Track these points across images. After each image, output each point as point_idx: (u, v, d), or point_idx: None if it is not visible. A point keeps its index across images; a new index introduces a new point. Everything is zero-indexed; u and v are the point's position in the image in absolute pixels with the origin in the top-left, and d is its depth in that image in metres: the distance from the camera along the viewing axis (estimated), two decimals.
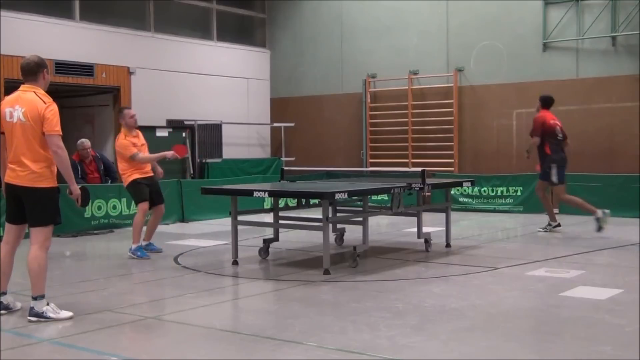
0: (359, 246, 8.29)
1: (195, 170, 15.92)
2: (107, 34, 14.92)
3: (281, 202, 11.46)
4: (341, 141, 17.38)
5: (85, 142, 12.21)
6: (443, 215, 9.76)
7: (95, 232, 11.69)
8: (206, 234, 11.48)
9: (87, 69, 14.44)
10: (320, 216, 7.74)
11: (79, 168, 12.03)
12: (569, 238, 10.60)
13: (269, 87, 18.43)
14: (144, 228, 9.38)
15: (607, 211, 10.69)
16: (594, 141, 14.19)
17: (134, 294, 7.05)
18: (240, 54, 17.77)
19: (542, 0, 14.68)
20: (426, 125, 16.16)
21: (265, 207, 11.46)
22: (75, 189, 6.00)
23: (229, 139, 17.23)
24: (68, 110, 15.76)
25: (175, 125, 15.86)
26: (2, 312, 5.95)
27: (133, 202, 10.03)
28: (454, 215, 10.70)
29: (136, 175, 9.23)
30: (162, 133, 15.35)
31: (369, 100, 16.85)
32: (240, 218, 8.62)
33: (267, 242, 8.92)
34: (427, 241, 9.22)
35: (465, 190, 14.44)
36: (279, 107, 18.27)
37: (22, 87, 6.00)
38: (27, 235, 6.02)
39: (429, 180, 9.06)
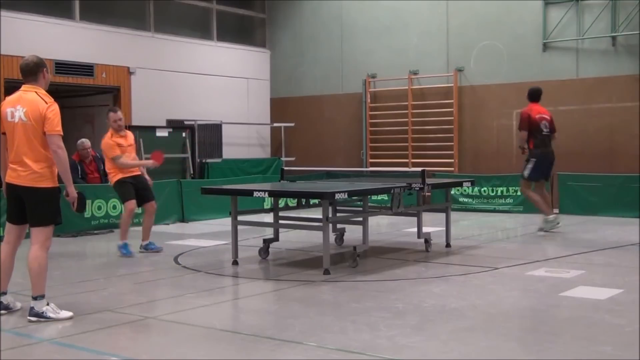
0: (359, 246, 8.29)
1: (195, 170, 15.92)
2: (107, 34, 14.92)
3: (281, 202, 11.46)
4: (341, 141, 17.38)
5: (86, 142, 12.21)
6: (443, 215, 9.76)
7: (95, 232, 11.69)
8: (206, 234, 11.48)
9: (87, 69, 14.44)
10: (320, 216, 7.74)
11: (79, 168, 12.04)
12: (569, 238, 10.60)
13: (269, 87, 18.43)
14: (136, 229, 9.37)
15: (559, 222, 10.60)
16: (594, 141, 14.20)
17: (134, 294, 7.04)
18: (240, 54, 17.77)
19: (542, 0, 14.69)
20: (426, 125, 16.16)
21: (265, 207, 11.46)
22: (72, 191, 5.99)
23: (229, 139, 17.23)
24: (68, 110, 15.74)
25: (175, 125, 15.86)
26: (2, 312, 5.95)
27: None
28: (454, 215, 10.70)
29: (121, 175, 9.27)
30: (162, 133, 15.35)
31: (369, 100, 16.86)
32: (240, 218, 8.62)
33: (267, 242, 8.92)
34: (427, 241, 9.22)
35: (465, 190, 14.44)
36: (279, 107, 18.27)
37: (23, 87, 6.01)
38: (27, 235, 6.02)
39: (429, 180, 9.05)
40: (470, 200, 14.52)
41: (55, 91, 15.94)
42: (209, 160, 16.26)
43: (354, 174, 13.26)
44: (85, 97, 15.70)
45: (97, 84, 14.79)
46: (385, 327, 5.48)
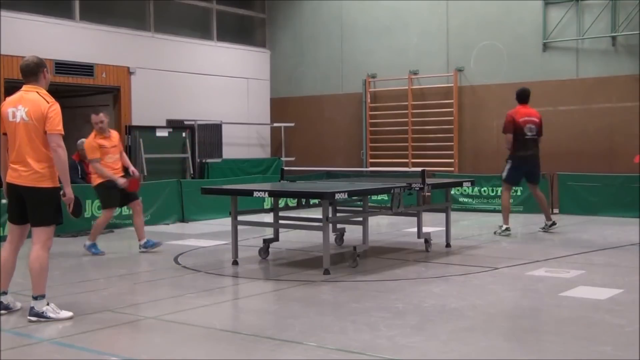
0: (359, 246, 8.29)
1: (195, 170, 15.92)
2: (107, 34, 14.92)
3: (281, 202, 11.46)
4: (341, 141, 17.38)
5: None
6: (443, 215, 9.76)
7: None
8: (206, 234, 11.48)
9: (87, 69, 14.45)
10: (320, 216, 7.74)
11: (79, 168, 12.03)
12: (569, 238, 10.60)
13: (269, 87, 18.44)
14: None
15: (509, 230, 10.61)
16: (594, 141, 14.20)
17: (134, 294, 7.04)
18: (240, 54, 17.77)
19: (542, 0, 14.69)
20: (426, 125, 16.16)
21: (265, 207, 11.46)
22: (70, 192, 5.99)
23: (229, 139, 17.23)
24: (68, 110, 15.66)
25: (175, 125, 15.86)
26: (2, 312, 5.95)
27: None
28: (454, 215, 10.70)
29: (104, 178, 9.23)
30: (162, 133, 15.35)
31: (369, 100, 16.86)
32: (240, 218, 8.62)
33: (267, 242, 8.92)
34: (427, 241, 9.22)
35: (465, 190, 14.44)
36: (279, 107, 18.27)
37: (24, 87, 6.03)
38: (29, 235, 6.04)
39: (429, 180, 9.05)
40: (470, 200, 14.52)
41: (55, 91, 15.87)
42: (209, 160, 16.26)
43: (354, 174, 13.26)
44: (85, 97, 15.69)
45: (97, 84, 14.79)
46: (385, 327, 5.48)
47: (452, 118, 15.75)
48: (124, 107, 15.15)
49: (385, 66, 16.56)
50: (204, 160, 16.22)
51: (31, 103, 5.87)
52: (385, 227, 12.01)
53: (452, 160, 15.73)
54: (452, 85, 15.76)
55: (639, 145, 13.47)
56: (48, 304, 5.83)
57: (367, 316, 5.85)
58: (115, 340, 5.39)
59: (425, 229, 9.36)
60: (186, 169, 15.79)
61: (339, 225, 9.74)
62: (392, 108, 16.57)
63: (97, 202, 11.80)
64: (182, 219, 13.17)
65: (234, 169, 16.42)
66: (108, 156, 9.33)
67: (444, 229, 9.71)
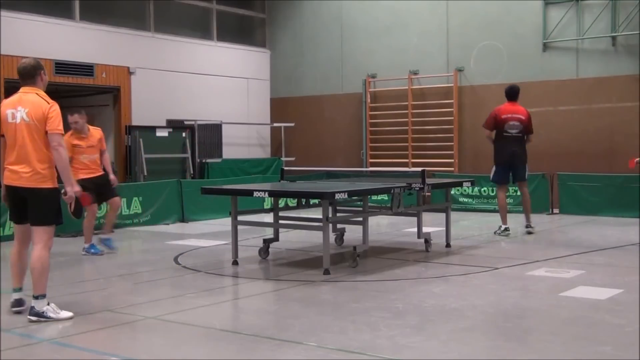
0: (359, 246, 8.29)
1: (195, 170, 15.92)
2: (107, 34, 14.92)
3: (281, 202, 11.46)
4: (341, 141, 17.38)
5: None
6: (443, 215, 9.76)
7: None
8: (206, 234, 11.48)
9: (87, 69, 14.45)
10: (320, 216, 7.74)
11: None
12: (569, 238, 10.59)
13: (269, 87, 18.43)
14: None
15: (508, 231, 10.61)
16: (594, 141, 14.20)
17: (134, 294, 7.04)
18: (240, 54, 17.77)
19: (542, 0, 14.69)
20: (426, 125, 16.16)
21: (265, 207, 11.46)
22: (71, 191, 6.03)
23: (229, 139, 17.23)
24: (68, 110, 15.71)
25: (175, 125, 15.86)
26: (19, 308, 5.99)
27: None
28: (454, 215, 10.70)
29: (81, 175, 9.04)
30: (162, 133, 15.35)
31: (369, 100, 16.85)
32: (240, 218, 8.62)
33: (267, 242, 8.92)
34: (427, 241, 9.22)
35: (465, 190, 14.44)
36: (279, 107, 18.27)
37: (22, 89, 6.08)
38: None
39: (429, 180, 9.05)
40: (470, 200, 14.52)
41: (55, 91, 15.94)
42: (209, 160, 16.26)
43: (354, 174, 13.25)
44: (85, 97, 15.69)
45: (97, 84, 14.78)
46: (385, 327, 5.48)
47: (452, 118, 15.75)
48: (124, 107, 15.15)
49: (385, 66, 16.56)
50: (204, 160, 16.22)
51: (31, 104, 5.91)
52: (385, 227, 12.01)
53: (452, 160, 15.73)
54: (452, 85, 15.76)
55: (639, 145, 13.48)
56: (48, 304, 5.83)
57: (367, 316, 5.85)
58: (115, 340, 5.39)
59: (425, 229, 9.36)
60: (186, 169, 15.79)
61: (339, 225, 9.74)
62: (392, 108, 16.57)
63: None
64: (182, 219, 13.17)
65: (234, 169, 16.42)
66: (83, 156, 9.30)
67: (444, 229, 9.71)
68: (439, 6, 15.88)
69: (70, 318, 5.84)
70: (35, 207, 5.90)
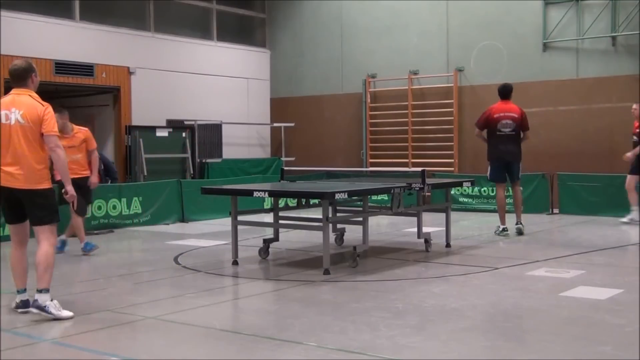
0: (359, 246, 8.29)
1: (195, 170, 15.92)
2: (107, 34, 14.92)
3: (281, 202, 11.46)
4: (341, 141, 17.38)
5: None
6: (443, 215, 9.76)
7: (95, 232, 11.67)
8: (206, 234, 11.48)
9: (87, 69, 14.45)
10: (320, 216, 7.74)
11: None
12: (569, 238, 10.59)
13: (269, 87, 18.43)
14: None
15: (507, 231, 10.60)
16: (594, 141, 14.20)
17: (134, 294, 7.04)
18: (240, 54, 17.77)
19: (542, 0, 14.69)
20: (426, 125, 16.16)
21: (265, 207, 11.45)
22: (71, 189, 6.13)
23: (229, 139, 17.23)
24: (68, 110, 15.72)
25: (175, 125, 15.86)
26: (24, 309, 5.99)
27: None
28: (454, 215, 10.70)
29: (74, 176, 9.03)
30: (162, 133, 15.35)
31: (369, 100, 16.86)
32: (240, 218, 8.62)
33: (267, 242, 8.92)
34: (427, 241, 9.22)
35: (465, 190, 14.44)
36: (279, 107, 18.27)
37: (14, 91, 6.14)
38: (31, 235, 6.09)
39: (429, 180, 9.05)
40: (470, 200, 14.52)
41: (55, 91, 15.92)
42: (209, 160, 16.26)
43: (354, 174, 13.26)
44: (85, 97, 15.70)
45: (97, 84, 14.79)
46: (385, 327, 5.48)
47: (452, 118, 15.75)
48: (124, 107, 15.15)
49: (385, 66, 16.56)
50: (204, 160, 16.22)
51: (26, 106, 5.97)
52: (385, 227, 12.01)
53: (452, 160, 15.73)
54: (452, 85, 15.76)
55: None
56: (52, 300, 5.87)
57: (367, 316, 5.85)
58: (115, 340, 5.39)
59: (425, 229, 9.36)
60: (186, 169, 15.79)
61: (339, 225, 9.74)
62: (392, 108, 16.57)
63: (97, 202, 11.83)
64: (182, 219, 13.17)
65: (234, 169, 16.42)
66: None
67: (444, 229, 9.71)
68: (439, 6, 15.88)
69: (71, 318, 5.84)
70: (35, 208, 5.96)
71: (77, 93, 15.58)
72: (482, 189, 14.31)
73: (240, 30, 18.31)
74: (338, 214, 9.25)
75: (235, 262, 8.47)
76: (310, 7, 17.75)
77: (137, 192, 12.63)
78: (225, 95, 17.23)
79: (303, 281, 7.43)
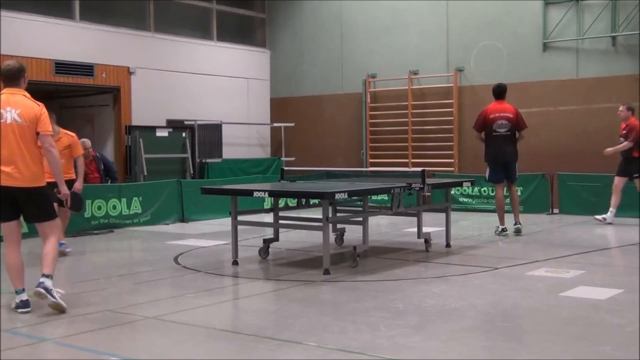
0: (359, 246, 8.29)
1: (195, 170, 15.92)
2: (107, 34, 14.93)
3: (281, 202, 11.46)
4: (341, 141, 17.38)
5: (86, 142, 12.18)
6: (443, 215, 9.76)
7: (95, 232, 11.68)
8: (206, 234, 11.48)
9: (87, 69, 14.45)
10: (320, 216, 7.74)
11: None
12: (569, 238, 10.59)
13: (269, 87, 18.44)
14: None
15: (506, 231, 10.60)
16: (594, 141, 14.17)
17: (134, 294, 7.04)
18: (240, 54, 17.77)
19: (542, 0, 14.69)
20: (426, 125, 16.16)
21: (265, 207, 11.45)
22: (65, 188, 6.35)
23: (229, 139, 17.23)
24: (68, 110, 15.79)
25: (175, 125, 15.86)
26: (25, 309, 6.00)
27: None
28: (454, 215, 10.70)
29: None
30: (162, 133, 15.35)
31: (369, 100, 16.86)
32: (240, 218, 8.62)
33: (267, 242, 8.92)
34: (427, 241, 9.22)
35: (465, 190, 14.44)
36: (279, 107, 18.27)
37: (7, 90, 6.19)
38: (28, 234, 6.10)
39: (429, 180, 9.05)
40: (470, 200, 14.52)
41: (55, 91, 15.92)
42: (209, 160, 16.26)
43: (354, 174, 13.26)
44: (85, 97, 15.71)
45: (97, 84, 14.79)
46: (385, 327, 5.48)
47: (452, 118, 15.75)
48: (124, 107, 15.16)
49: (385, 66, 16.56)
50: (203, 160, 16.22)
51: (22, 105, 6.05)
52: (385, 227, 12.01)
53: (452, 160, 15.73)
54: (452, 85, 15.76)
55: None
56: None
57: (367, 316, 5.85)
58: (115, 340, 5.39)
59: (425, 229, 9.35)
60: (186, 169, 15.79)
61: (339, 225, 9.74)
62: (392, 108, 16.57)
63: (97, 202, 11.84)
64: (182, 219, 13.17)
65: (234, 169, 16.43)
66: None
67: (444, 229, 9.71)
68: (439, 6, 15.88)
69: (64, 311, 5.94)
70: (38, 205, 6.11)
71: (77, 93, 15.58)
72: (482, 189, 14.31)
73: (240, 30, 18.31)
74: (338, 214, 9.25)
75: (235, 262, 8.47)
76: (310, 7, 17.75)
77: (137, 192, 12.63)
78: (225, 95, 17.23)
79: (303, 281, 7.43)
